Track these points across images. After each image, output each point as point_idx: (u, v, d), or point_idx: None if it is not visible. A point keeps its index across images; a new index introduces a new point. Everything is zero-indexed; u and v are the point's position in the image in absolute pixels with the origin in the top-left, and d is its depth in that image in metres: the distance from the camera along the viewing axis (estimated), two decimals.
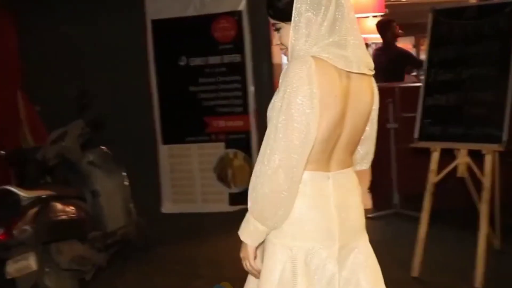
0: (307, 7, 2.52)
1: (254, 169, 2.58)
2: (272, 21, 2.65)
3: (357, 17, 12.83)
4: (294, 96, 2.47)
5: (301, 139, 2.48)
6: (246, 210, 8.17)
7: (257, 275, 2.69)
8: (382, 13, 11.76)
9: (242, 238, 2.63)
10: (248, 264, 2.68)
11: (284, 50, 2.65)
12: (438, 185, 5.83)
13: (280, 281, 2.62)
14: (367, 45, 20.74)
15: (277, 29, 2.65)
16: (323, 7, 2.52)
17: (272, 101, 2.58)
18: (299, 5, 2.53)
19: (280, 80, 2.54)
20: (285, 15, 2.56)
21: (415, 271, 5.62)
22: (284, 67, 2.57)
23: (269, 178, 2.50)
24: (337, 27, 2.54)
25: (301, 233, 2.65)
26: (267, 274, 2.65)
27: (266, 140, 2.54)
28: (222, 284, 2.70)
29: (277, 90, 2.54)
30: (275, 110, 2.53)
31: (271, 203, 2.54)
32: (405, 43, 24.37)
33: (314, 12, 2.52)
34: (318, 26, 2.53)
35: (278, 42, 2.67)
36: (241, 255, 2.68)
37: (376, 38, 16.97)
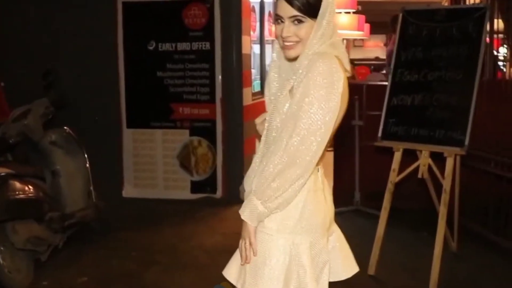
0: (331, 9, 2.66)
1: (275, 154, 2.60)
2: (295, 13, 2.61)
3: None
4: (329, 91, 2.57)
5: (325, 134, 2.60)
6: (207, 198, 8.16)
7: (249, 257, 2.72)
8: (354, 10, 11.79)
9: (242, 216, 2.67)
10: (248, 242, 2.70)
11: (293, 44, 2.66)
12: (400, 185, 5.87)
13: (286, 276, 2.71)
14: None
15: (299, 21, 2.63)
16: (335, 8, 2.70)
17: (302, 89, 2.59)
18: (326, 4, 2.63)
19: (305, 73, 2.60)
20: (314, 11, 2.62)
21: (372, 269, 5.64)
22: (303, 62, 2.64)
23: (298, 164, 2.58)
24: (335, 28, 2.69)
25: (303, 226, 2.74)
26: (269, 270, 2.71)
27: (297, 125, 2.57)
28: (222, 284, 2.70)
29: (306, 81, 2.58)
30: (307, 102, 2.57)
31: (284, 186, 2.60)
32: (375, 41, 24.63)
33: (333, 13, 2.67)
34: (332, 26, 2.66)
35: (290, 35, 2.65)
36: (242, 233, 2.72)
37: (349, 34, 17.11)
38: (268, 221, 2.70)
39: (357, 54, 24.02)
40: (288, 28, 2.64)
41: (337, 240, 3.03)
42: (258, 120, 2.92)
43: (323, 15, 2.63)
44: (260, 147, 2.78)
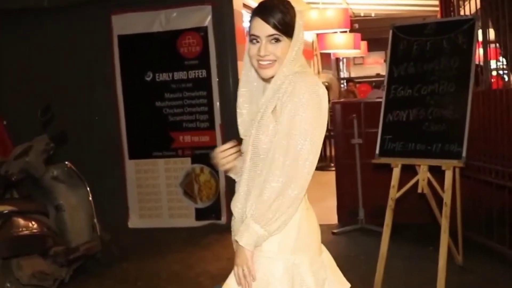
0: (301, 28, 2.72)
1: (271, 176, 2.61)
2: (273, 32, 2.64)
3: (324, 33, 13.04)
4: (318, 108, 2.63)
5: (317, 150, 2.66)
6: (212, 225, 8.17)
7: (250, 284, 2.70)
8: (348, 29, 11.85)
9: (241, 242, 2.64)
10: (245, 268, 2.67)
11: (270, 63, 2.68)
12: (403, 201, 5.87)
13: None
14: (338, 59, 20.97)
15: (276, 40, 2.66)
16: None
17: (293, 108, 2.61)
18: (298, 23, 2.70)
19: (289, 92, 2.64)
20: (289, 30, 2.67)
21: (377, 287, 5.63)
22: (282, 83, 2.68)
23: (295, 183, 2.61)
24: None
25: (302, 245, 2.76)
26: None
27: (291, 147, 2.60)
28: (222, 284, 2.71)
29: (294, 101, 2.61)
30: (298, 121, 2.60)
31: (283, 206, 2.62)
32: (375, 58, 24.74)
33: (303, 32, 2.73)
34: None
35: (267, 54, 2.66)
36: (237, 261, 2.69)
37: (346, 53, 17.22)
38: (266, 243, 2.69)
39: (357, 72, 24.15)
40: (266, 47, 2.66)
41: (327, 257, 2.98)
42: (223, 154, 2.88)
43: (298, 33, 2.69)
44: (245, 171, 2.75)
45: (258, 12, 2.67)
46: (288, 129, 2.59)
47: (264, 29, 2.65)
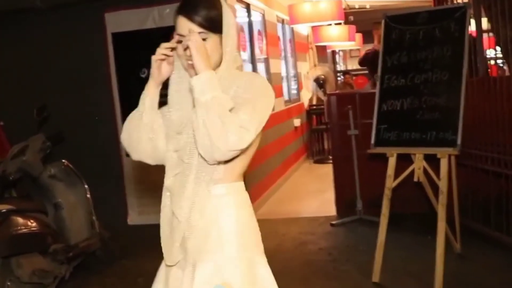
0: (233, 20, 2.64)
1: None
2: (198, 30, 2.52)
3: (318, 26, 13.06)
4: (270, 104, 2.59)
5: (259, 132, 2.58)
6: None
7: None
8: (342, 21, 11.85)
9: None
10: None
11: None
12: (400, 191, 5.89)
13: None
14: (334, 52, 20.97)
15: (203, 39, 2.52)
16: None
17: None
18: (227, 16, 2.60)
19: (246, 86, 2.58)
20: (216, 26, 2.56)
21: (376, 276, 5.65)
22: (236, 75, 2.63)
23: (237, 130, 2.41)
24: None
25: (247, 243, 2.71)
26: None
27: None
28: (222, 284, 2.71)
29: (251, 97, 2.54)
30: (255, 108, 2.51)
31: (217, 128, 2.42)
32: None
33: (235, 25, 2.65)
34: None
35: (189, 53, 2.48)
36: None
37: (342, 45, 17.23)
38: (228, 246, 2.64)
39: (354, 65, 24.10)
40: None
41: None
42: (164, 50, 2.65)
43: (228, 30, 2.59)
44: (192, 170, 2.64)
45: (182, 10, 2.56)
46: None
47: (186, 27, 2.53)
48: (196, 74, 2.46)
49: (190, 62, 2.50)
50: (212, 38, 2.56)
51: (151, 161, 2.84)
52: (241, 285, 2.59)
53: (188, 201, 2.64)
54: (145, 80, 2.75)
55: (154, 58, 2.64)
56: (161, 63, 2.66)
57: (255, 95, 2.55)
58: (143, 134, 2.73)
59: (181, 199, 2.65)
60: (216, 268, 2.61)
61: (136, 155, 2.81)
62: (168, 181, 2.72)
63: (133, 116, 2.76)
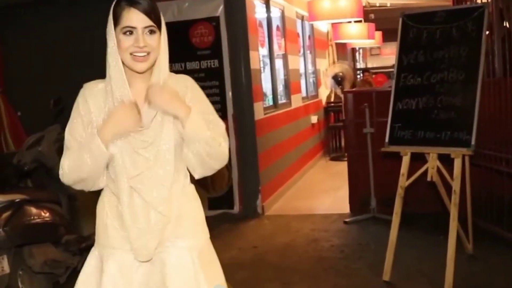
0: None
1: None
2: (150, 23, 2.62)
3: (338, 23, 13.03)
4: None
5: None
6: (224, 214, 8.21)
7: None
8: (361, 18, 11.80)
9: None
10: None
11: (146, 56, 2.65)
12: (414, 190, 5.88)
13: None
14: (354, 50, 20.91)
15: (151, 32, 2.64)
16: None
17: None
18: (163, 24, 2.73)
19: (192, 90, 2.85)
20: (160, 22, 2.68)
21: (386, 275, 5.64)
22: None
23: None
24: None
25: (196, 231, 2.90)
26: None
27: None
28: (221, 284, 2.75)
29: (201, 97, 2.88)
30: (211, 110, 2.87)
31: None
32: (392, 48, 24.60)
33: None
34: None
35: (145, 45, 2.62)
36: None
37: (361, 43, 17.19)
38: (200, 231, 2.91)
39: (374, 63, 24.08)
40: (144, 39, 2.63)
41: None
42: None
43: (164, 27, 2.71)
44: (169, 163, 2.75)
45: (136, 3, 2.61)
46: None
47: (141, 19, 2.61)
48: (141, 70, 2.68)
49: (139, 54, 2.63)
50: (157, 33, 2.67)
51: (96, 189, 2.88)
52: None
53: (166, 193, 2.74)
54: None
55: (124, 106, 2.68)
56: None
57: (201, 95, 2.87)
58: (97, 174, 2.76)
59: (158, 194, 2.73)
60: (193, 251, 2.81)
61: (81, 188, 2.84)
62: (133, 181, 2.72)
63: (86, 165, 2.69)
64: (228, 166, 8.29)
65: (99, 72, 8.54)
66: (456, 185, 5.30)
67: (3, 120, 8.47)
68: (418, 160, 5.70)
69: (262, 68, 9.24)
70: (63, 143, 6.23)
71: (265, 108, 9.06)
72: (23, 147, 6.24)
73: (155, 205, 2.70)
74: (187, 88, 2.79)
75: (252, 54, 8.35)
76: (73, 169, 2.69)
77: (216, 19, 8.20)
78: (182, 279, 2.75)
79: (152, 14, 2.62)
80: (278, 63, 10.39)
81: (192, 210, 2.88)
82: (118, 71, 2.68)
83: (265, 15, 9.78)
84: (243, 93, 8.23)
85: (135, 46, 2.61)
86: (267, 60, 9.76)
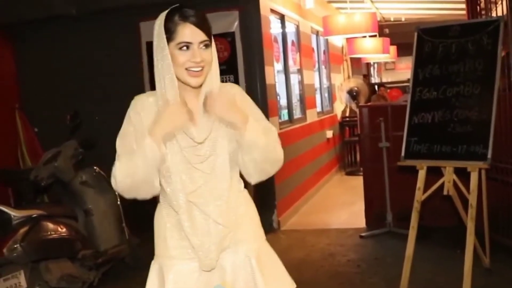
0: None
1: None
2: (205, 37, 2.64)
3: (353, 38, 13.05)
4: None
5: None
6: None
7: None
8: (376, 33, 11.82)
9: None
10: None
11: (201, 70, 2.67)
12: (431, 204, 5.86)
13: None
14: (368, 64, 20.92)
15: (206, 46, 2.66)
16: None
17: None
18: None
19: (241, 98, 2.85)
20: (211, 38, 2.71)
21: None
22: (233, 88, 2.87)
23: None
24: None
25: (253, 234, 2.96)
26: None
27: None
28: (222, 284, 2.76)
29: (251, 104, 2.92)
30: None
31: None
32: (407, 63, 24.60)
33: None
34: None
35: (201, 60, 2.64)
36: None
37: (375, 58, 17.18)
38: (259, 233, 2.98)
39: (389, 77, 24.03)
40: (200, 53, 2.64)
41: None
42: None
43: (213, 41, 2.73)
44: (225, 177, 2.77)
45: (190, 19, 2.63)
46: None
47: (197, 35, 2.63)
48: (196, 85, 2.69)
49: (195, 69, 2.65)
50: (211, 48, 2.69)
51: (149, 196, 2.82)
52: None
53: (224, 204, 2.77)
54: None
55: (174, 105, 2.69)
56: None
57: (250, 101, 2.93)
58: (150, 178, 2.73)
59: (216, 207, 2.77)
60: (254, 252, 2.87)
61: (134, 196, 2.79)
62: (191, 196, 2.75)
63: (139, 168, 2.69)
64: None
65: (118, 88, 8.66)
66: (472, 199, 5.28)
67: (20, 136, 8.53)
68: (434, 174, 5.69)
69: (276, 84, 9.25)
70: (79, 158, 6.29)
71: (281, 123, 9.06)
72: (40, 163, 6.30)
73: (214, 218, 2.74)
74: (236, 95, 2.79)
75: (267, 69, 8.37)
76: (125, 174, 2.69)
77: (231, 35, 8.23)
78: (240, 283, 2.80)
79: (206, 27, 2.64)
80: (293, 78, 10.40)
81: (248, 214, 2.92)
82: (172, 86, 2.68)
83: (280, 30, 9.81)
84: (259, 108, 8.21)
85: (191, 62, 2.63)
86: (282, 76, 9.77)
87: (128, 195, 2.77)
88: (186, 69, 2.65)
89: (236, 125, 2.67)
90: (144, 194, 2.75)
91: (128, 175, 2.68)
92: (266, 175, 2.84)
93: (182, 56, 2.63)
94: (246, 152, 2.72)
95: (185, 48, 2.63)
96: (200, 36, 2.63)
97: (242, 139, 2.68)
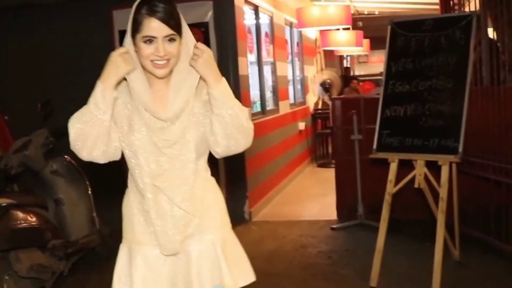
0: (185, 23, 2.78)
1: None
2: (170, 32, 2.66)
3: (326, 30, 13.08)
4: None
5: None
6: None
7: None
8: (348, 26, 11.84)
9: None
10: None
11: (166, 63, 2.70)
12: (402, 197, 5.88)
13: None
14: (341, 57, 20.96)
15: (171, 40, 2.68)
16: None
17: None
18: (183, 20, 2.75)
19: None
20: (180, 29, 2.71)
21: (374, 281, 5.65)
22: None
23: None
24: None
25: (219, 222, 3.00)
26: None
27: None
28: (221, 284, 2.79)
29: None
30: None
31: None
32: (380, 56, 24.71)
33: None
34: None
35: (165, 53, 2.67)
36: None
37: (349, 50, 17.22)
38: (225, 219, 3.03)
39: (361, 70, 24.11)
40: (164, 47, 2.67)
41: None
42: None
43: (186, 32, 2.75)
44: (190, 162, 2.81)
45: (155, 13, 2.64)
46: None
47: (162, 29, 2.65)
48: (161, 76, 2.73)
49: (159, 62, 2.68)
50: (178, 40, 2.70)
51: (103, 160, 2.83)
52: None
53: (189, 190, 2.81)
54: None
55: (119, 52, 2.69)
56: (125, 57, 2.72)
57: None
58: (102, 133, 2.75)
59: (181, 192, 2.80)
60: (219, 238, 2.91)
61: (89, 155, 2.80)
62: (157, 180, 2.79)
63: (90, 115, 2.73)
64: (216, 170, 8.27)
65: (89, 75, 8.53)
66: (443, 192, 5.32)
67: None
68: (405, 167, 5.72)
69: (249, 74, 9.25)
70: (50, 147, 6.22)
71: (253, 114, 9.05)
72: (10, 151, 6.22)
73: (177, 202, 2.78)
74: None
75: (240, 60, 8.36)
76: (78, 120, 2.74)
77: (205, 25, 8.19)
78: (206, 270, 2.85)
79: (172, 21, 2.65)
80: (267, 69, 10.39)
81: (215, 203, 2.96)
82: (139, 74, 2.74)
83: (254, 21, 9.80)
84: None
85: (155, 55, 2.66)
86: (255, 67, 9.76)
87: (81, 146, 2.77)
88: (151, 61, 2.68)
89: (212, 80, 2.69)
90: (97, 148, 2.76)
91: (81, 122, 2.73)
92: (235, 144, 2.81)
93: (146, 49, 2.67)
94: (216, 109, 2.71)
95: (148, 41, 2.66)
96: (165, 31, 2.65)
97: (213, 93, 2.69)
